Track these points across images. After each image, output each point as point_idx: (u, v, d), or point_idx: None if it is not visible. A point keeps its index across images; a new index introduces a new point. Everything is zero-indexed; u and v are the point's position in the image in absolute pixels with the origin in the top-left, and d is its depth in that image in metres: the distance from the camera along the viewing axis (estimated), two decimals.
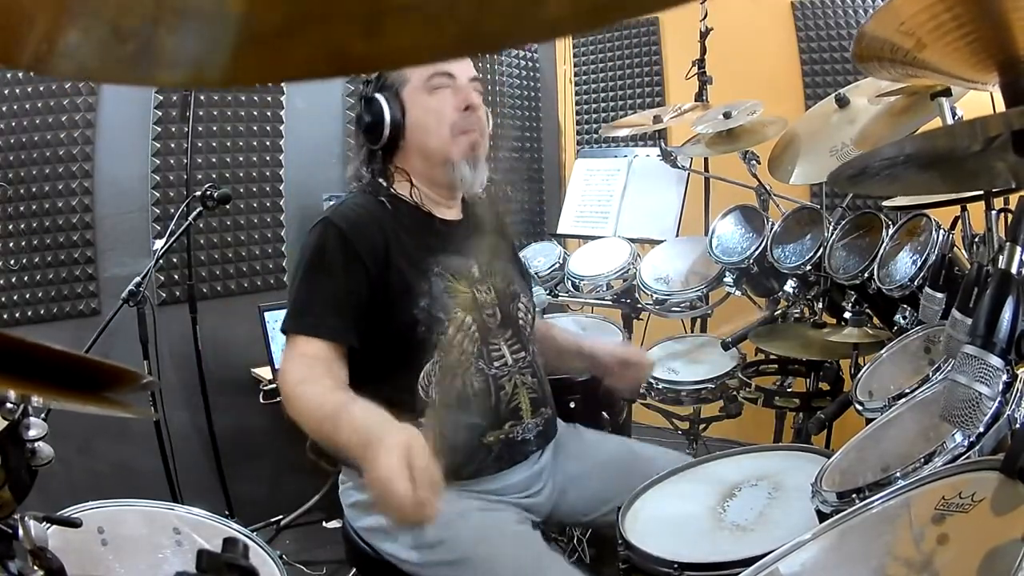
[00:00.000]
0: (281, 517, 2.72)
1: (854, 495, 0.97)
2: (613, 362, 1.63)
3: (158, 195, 2.59)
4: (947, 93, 1.43)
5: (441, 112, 1.41)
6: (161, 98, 2.56)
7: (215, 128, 2.72)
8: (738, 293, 2.38)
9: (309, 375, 1.27)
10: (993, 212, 1.38)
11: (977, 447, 0.91)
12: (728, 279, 2.36)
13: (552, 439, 1.49)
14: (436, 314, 1.36)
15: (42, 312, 2.41)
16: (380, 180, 1.46)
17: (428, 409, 1.25)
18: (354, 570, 1.70)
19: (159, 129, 2.58)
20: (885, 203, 1.96)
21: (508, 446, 1.38)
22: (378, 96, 1.41)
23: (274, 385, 2.46)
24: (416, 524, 1.08)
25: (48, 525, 1.02)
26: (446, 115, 1.41)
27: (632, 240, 2.75)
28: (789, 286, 2.11)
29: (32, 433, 1.04)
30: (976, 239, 1.56)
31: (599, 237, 2.90)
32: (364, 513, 1.40)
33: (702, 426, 2.45)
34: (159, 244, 2.30)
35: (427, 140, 1.42)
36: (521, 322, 1.48)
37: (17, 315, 2.37)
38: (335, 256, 1.34)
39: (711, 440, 2.55)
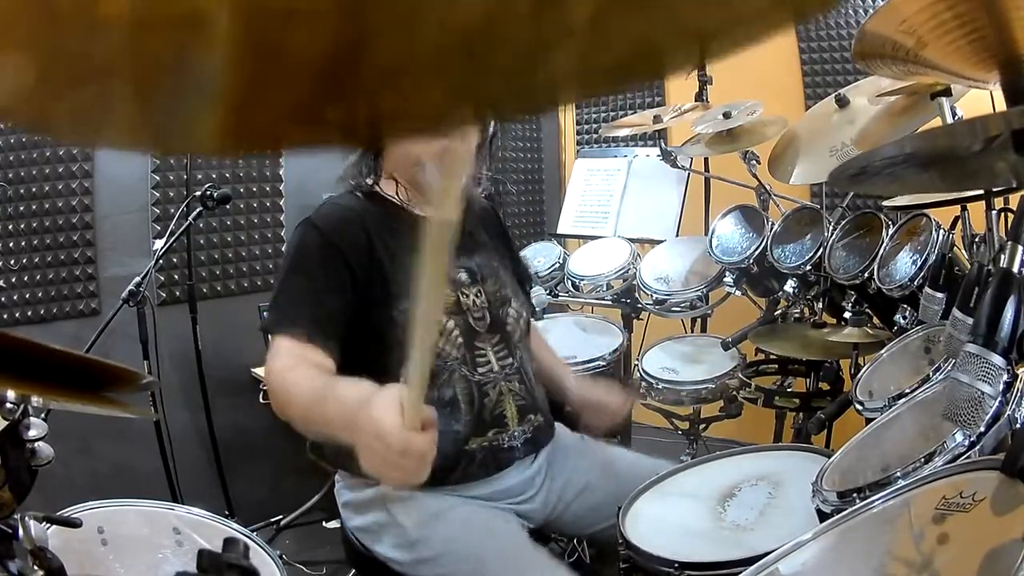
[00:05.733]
0: (281, 517, 2.72)
1: (854, 495, 0.97)
2: (587, 404, 1.57)
3: (158, 195, 2.59)
4: (947, 93, 1.43)
5: None
6: None
7: None
8: (738, 293, 2.37)
9: (292, 364, 1.22)
10: (993, 212, 1.38)
11: (977, 447, 0.91)
12: (728, 279, 2.36)
13: (544, 445, 1.46)
14: None
15: (42, 312, 2.41)
16: (369, 179, 1.44)
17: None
18: (354, 571, 1.70)
19: None
20: (885, 203, 1.96)
21: (492, 453, 1.36)
22: None
23: None
24: (404, 478, 0.94)
25: (48, 525, 1.02)
26: None
27: (632, 240, 2.75)
28: (789, 286, 2.11)
29: (32, 433, 1.04)
30: (976, 239, 1.56)
31: (599, 237, 2.90)
32: (357, 513, 1.39)
33: (702, 426, 2.45)
34: (159, 244, 2.30)
35: None
36: (510, 327, 1.44)
37: (17, 315, 2.37)
38: (314, 257, 1.32)
39: (711, 440, 2.55)
